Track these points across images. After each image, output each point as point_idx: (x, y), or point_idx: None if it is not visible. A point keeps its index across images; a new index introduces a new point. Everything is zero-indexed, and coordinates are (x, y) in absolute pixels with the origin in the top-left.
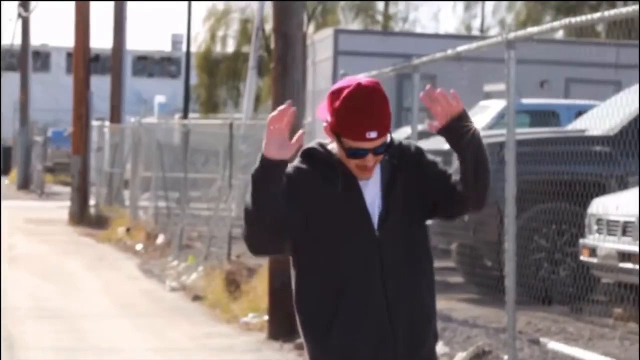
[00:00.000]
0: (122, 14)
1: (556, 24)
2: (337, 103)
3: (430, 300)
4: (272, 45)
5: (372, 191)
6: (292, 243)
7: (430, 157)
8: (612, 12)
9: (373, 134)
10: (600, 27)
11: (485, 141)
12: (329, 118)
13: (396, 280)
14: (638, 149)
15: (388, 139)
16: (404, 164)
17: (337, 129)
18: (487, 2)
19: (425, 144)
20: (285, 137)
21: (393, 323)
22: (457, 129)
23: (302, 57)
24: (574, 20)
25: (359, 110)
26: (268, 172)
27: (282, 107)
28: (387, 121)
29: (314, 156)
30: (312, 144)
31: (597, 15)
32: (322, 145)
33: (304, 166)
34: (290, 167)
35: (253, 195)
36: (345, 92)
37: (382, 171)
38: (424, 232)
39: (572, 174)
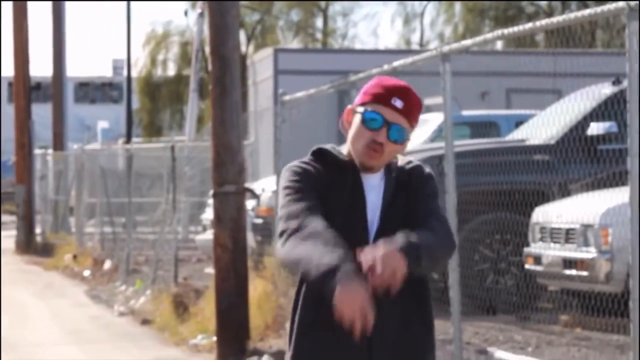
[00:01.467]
0: (61, 41)
1: (489, 35)
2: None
3: (423, 332)
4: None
5: (373, 204)
6: None
7: (431, 189)
8: (544, 22)
9: (398, 103)
10: (539, 37)
11: (425, 154)
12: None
13: (381, 303)
14: (578, 156)
15: (407, 141)
16: (408, 184)
17: (362, 98)
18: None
19: None
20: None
21: (373, 350)
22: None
23: (240, 77)
24: (506, 31)
25: (393, 82)
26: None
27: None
28: (416, 110)
29: (325, 156)
30: (324, 145)
31: (528, 25)
32: (334, 147)
33: (315, 165)
34: (302, 164)
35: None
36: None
37: (385, 186)
38: None
39: (513, 184)
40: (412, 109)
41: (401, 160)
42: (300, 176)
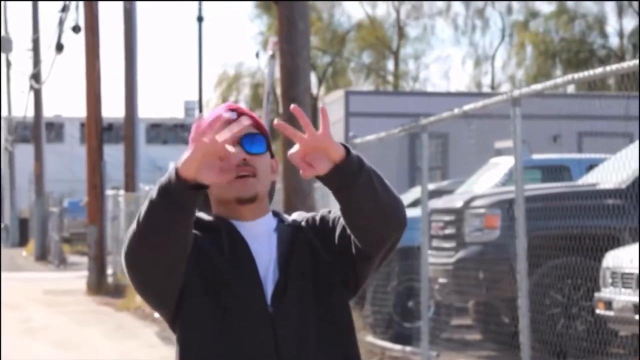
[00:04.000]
0: (133, 81)
1: (559, 80)
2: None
3: None
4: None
5: (265, 259)
6: (170, 314)
7: (326, 213)
8: (614, 66)
9: (229, 114)
10: (611, 80)
11: (495, 198)
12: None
13: None
14: None
15: (262, 143)
16: (306, 229)
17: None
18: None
19: (436, 203)
20: (218, 158)
21: None
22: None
23: (311, 120)
24: (576, 75)
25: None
26: (179, 197)
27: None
28: (254, 116)
29: (196, 222)
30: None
31: (599, 70)
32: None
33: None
34: None
35: (148, 216)
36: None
37: (278, 239)
38: (339, 301)
39: (584, 228)
40: (251, 115)
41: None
42: None
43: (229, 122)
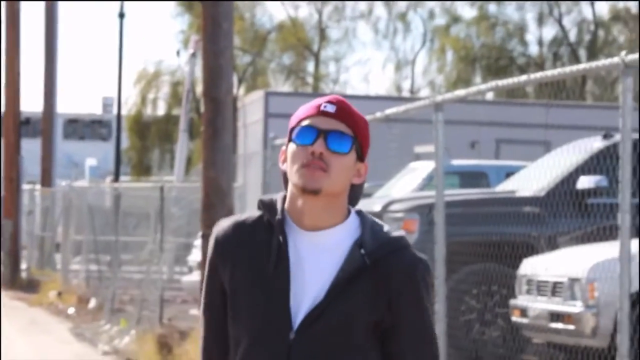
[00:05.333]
0: (53, 77)
1: (483, 86)
2: None
3: None
4: (202, 108)
5: (317, 273)
6: None
7: (420, 292)
8: (538, 74)
9: (329, 107)
10: (530, 88)
11: (414, 203)
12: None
13: None
14: (567, 209)
15: (356, 155)
16: (384, 279)
17: (291, 125)
18: (417, 63)
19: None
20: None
21: None
22: None
23: (232, 120)
24: (501, 82)
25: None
26: None
27: None
28: (356, 118)
29: (265, 209)
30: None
31: (523, 77)
32: (276, 198)
33: (249, 223)
34: (223, 226)
35: None
36: None
37: (347, 258)
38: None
39: (501, 235)
40: (351, 115)
41: (375, 228)
42: (213, 248)
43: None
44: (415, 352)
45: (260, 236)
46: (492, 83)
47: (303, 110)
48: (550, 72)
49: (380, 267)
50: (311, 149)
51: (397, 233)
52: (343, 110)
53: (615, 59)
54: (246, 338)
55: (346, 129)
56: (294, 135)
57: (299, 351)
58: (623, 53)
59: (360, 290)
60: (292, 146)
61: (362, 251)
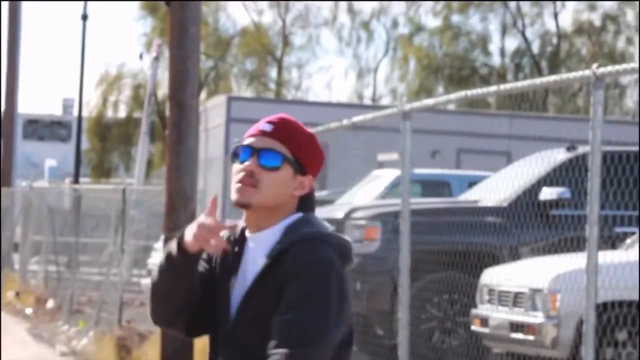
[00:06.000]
0: (15, 77)
1: (452, 96)
2: None
3: None
4: (166, 111)
5: (252, 273)
6: None
7: (305, 286)
8: (508, 85)
9: (267, 127)
10: (491, 98)
11: (378, 210)
12: None
13: None
14: (529, 220)
15: (290, 170)
16: (282, 265)
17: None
18: (379, 71)
19: (319, 212)
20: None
21: None
22: None
23: (197, 125)
24: (470, 92)
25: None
26: (182, 262)
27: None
28: (296, 135)
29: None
30: None
31: (493, 88)
32: None
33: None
34: None
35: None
36: None
37: (268, 252)
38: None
39: (464, 244)
40: (288, 132)
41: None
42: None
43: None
44: (277, 346)
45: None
46: (462, 93)
47: (249, 130)
48: (520, 84)
49: (283, 259)
50: (243, 166)
51: (321, 230)
52: (279, 129)
53: (587, 72)
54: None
55: (279, 146)
56: (232, 152)
57: (232, 340)
58: (594, 66)
59: (270, 283)
60: (234, 164)
61: (278, 246)
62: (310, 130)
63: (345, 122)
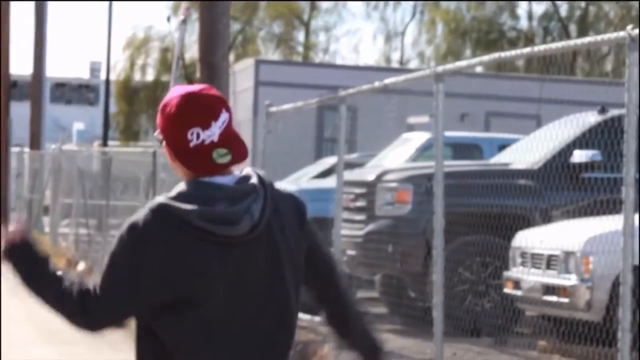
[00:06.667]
0: (43, 40)
1: (485, 58)
2: None
3: None
4: (197, 74)
5: None
6: None
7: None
8: (542, 47)
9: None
10: (520, 62)
11: (409, 173)
12: None
13: None
14: (561, 183)
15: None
16: None
17: None
18: (407, 35)
19: (348, 176)
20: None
21: None
22: None
23: (227, 86)
24: (503, 54)
25: None
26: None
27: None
28: (159, 113)
29: None
30: None
31: (526, 50)
32: None
33: None
34: None
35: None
36: None
37: None
38: None
39: (496, 207)
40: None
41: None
42: None
43: None
44: None
45: None
46: (494, 55)
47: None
48: (553, 45)
49: None
50: None
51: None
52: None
53: (622, 33)
54: None
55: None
56: None
57: None
58: (629, 27)
59: None
60: None
61: None
62: (342, 93)
63: (377, 84)
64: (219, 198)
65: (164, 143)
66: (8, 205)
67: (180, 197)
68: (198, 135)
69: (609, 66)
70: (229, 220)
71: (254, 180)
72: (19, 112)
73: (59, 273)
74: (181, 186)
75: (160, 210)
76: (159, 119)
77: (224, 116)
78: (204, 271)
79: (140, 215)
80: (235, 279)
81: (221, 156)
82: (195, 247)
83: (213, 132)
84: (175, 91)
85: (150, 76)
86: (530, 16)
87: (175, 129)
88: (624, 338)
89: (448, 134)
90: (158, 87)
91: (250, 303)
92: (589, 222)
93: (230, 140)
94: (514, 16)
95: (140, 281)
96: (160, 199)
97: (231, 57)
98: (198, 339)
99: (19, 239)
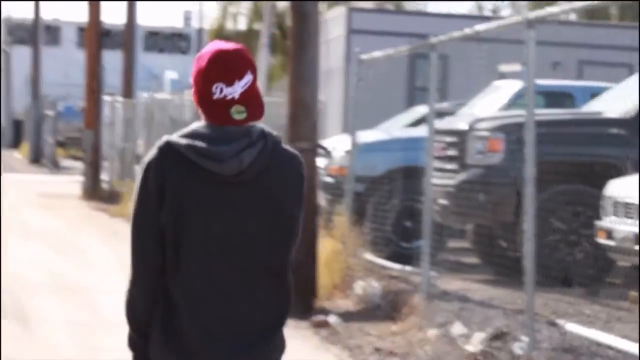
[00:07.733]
0: None
1: (577, 4)
2: None
3: None
4: (287, 22)
5: None
6: None
7: None
8: None
9: None
10: (613, 10)
11: (501, 122)
12: None
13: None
14: None
15: None
16: None
17: None
18: None
19: (439, 124)
20: None
21: None
22: None
23: (317, 34)
24: (595, 1)
25: None
26: None
27: None
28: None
29: None
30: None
31: None
32: None
33: None
34: None
35: None
36: None
37: None
38: None
39: (588, 156)
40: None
41: None
42: None
43: None
44: None
45: None
46: (587, 1)
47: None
48: None
49: None
50: None
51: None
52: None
53: None
54: None
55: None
56: None
57: None
58: None
59: None
60: None
61: None
62: (433, 40)
63: (467, 31)
64: (216, 138)
65: (193, 88)
66: (101, 154)
67: (186, 134)
68: (221, 90)
69: None
70: (213, 156)
71: (255, 131)
72: (112, 60)
73: None
74: (194, 125)
75: (163, 145)
76: (193, 67)
77: (248, 77)
78: (190, 198)
79: (151, 150)
80: (221, 217)
81: (238, 112)
82: (187, 176)
83: (235, 90)
84: (211, 46)
85: (242, 25)
86: None
87: (202, 81)
88: None
89: (540, 82)
90: (251, 36)
91: (233, 244)
92: None
93: (250, 100)
94: None
95: (150, 197)
96: (168, 136)
97: (323, 5)
98: (187, 259)
99: None
